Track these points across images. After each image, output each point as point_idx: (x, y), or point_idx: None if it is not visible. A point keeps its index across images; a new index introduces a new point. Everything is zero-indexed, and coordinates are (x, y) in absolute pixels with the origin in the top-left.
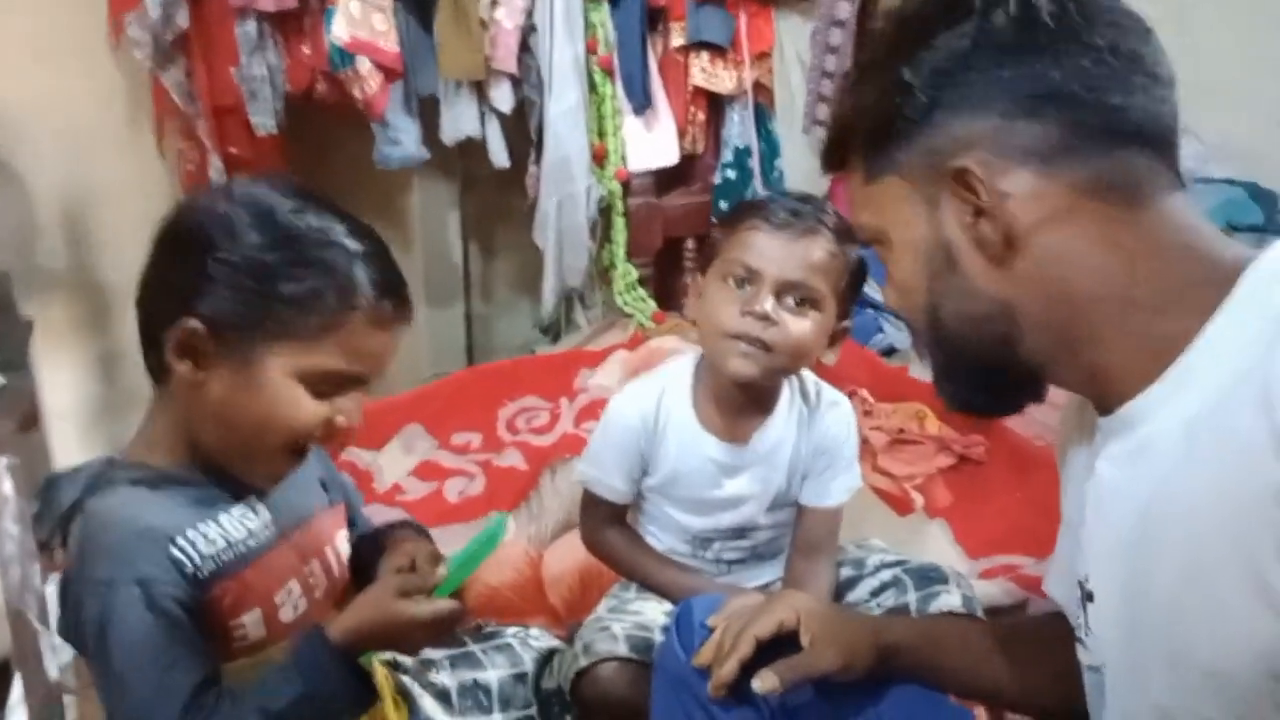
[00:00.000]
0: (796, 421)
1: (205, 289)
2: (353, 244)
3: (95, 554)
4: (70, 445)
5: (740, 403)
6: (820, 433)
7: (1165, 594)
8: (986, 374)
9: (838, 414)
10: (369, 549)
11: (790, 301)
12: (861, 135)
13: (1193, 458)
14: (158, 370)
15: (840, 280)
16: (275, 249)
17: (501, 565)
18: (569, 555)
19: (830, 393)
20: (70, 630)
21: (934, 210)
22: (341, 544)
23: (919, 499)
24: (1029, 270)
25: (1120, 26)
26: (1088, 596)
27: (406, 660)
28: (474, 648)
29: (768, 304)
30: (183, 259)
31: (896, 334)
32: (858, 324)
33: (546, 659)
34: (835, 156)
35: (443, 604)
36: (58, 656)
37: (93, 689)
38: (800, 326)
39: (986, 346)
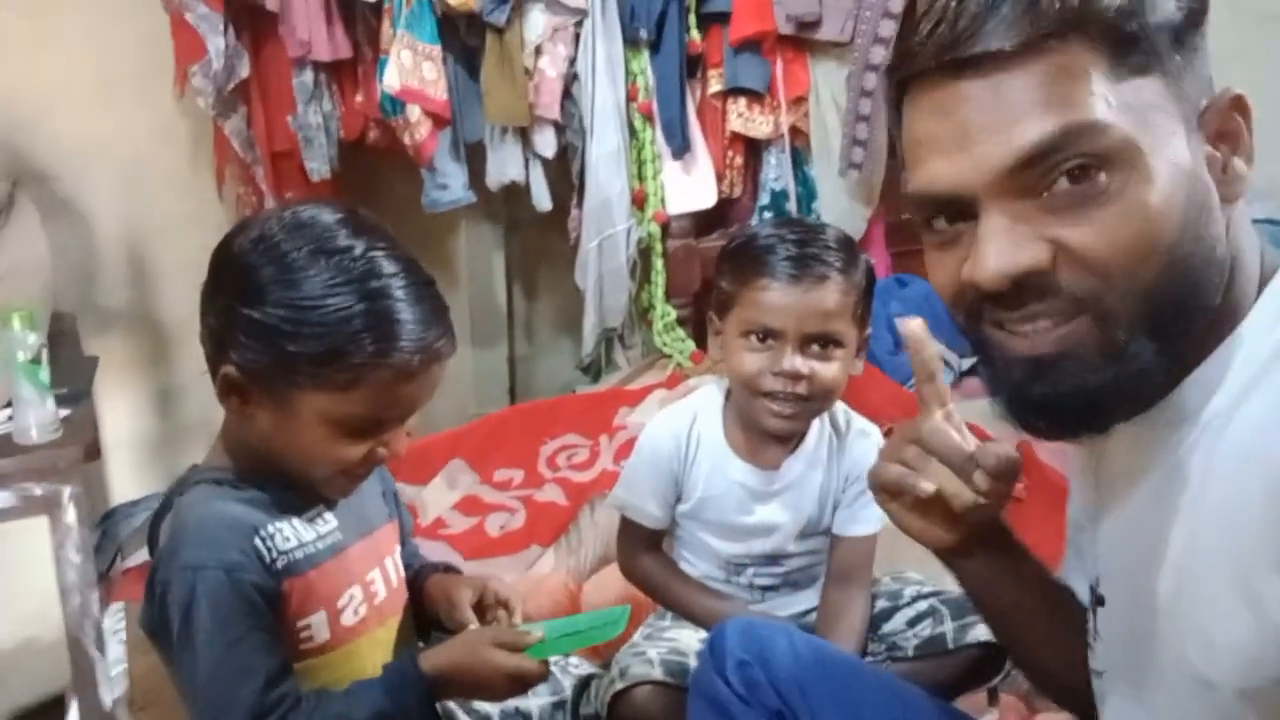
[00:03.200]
0: (827, 450)
1: (238, 339)
2: (396, 285)
3: (183, 541)
4: (127, 477)
5: (772, 434)
6: (851, 461)
7: (1165, 597)
8: (1170, 348)
9: (867, 443)
10: (410, 582)
11: (815, 349)
12: (1125, 14)
13: (1206, 452)
14: (216, 378)
15: (856, 307)
16: (307, 303)
17: (540, 597)
18: (608, 587)
19: (860, 422)
20: (154, 618)
21: (1190, 134)
22: (399, 559)
23: None
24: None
25: None
26: (1099, 600)
27: None
28: None
29: (796, 361)
30: (218, 303)
31: None
32: (896, 363)
33: (584, 685)
34: (1053, 16)
35: (530, 664)
36: (113, 687)
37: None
38: (829, 370)
39: (1202, 305)
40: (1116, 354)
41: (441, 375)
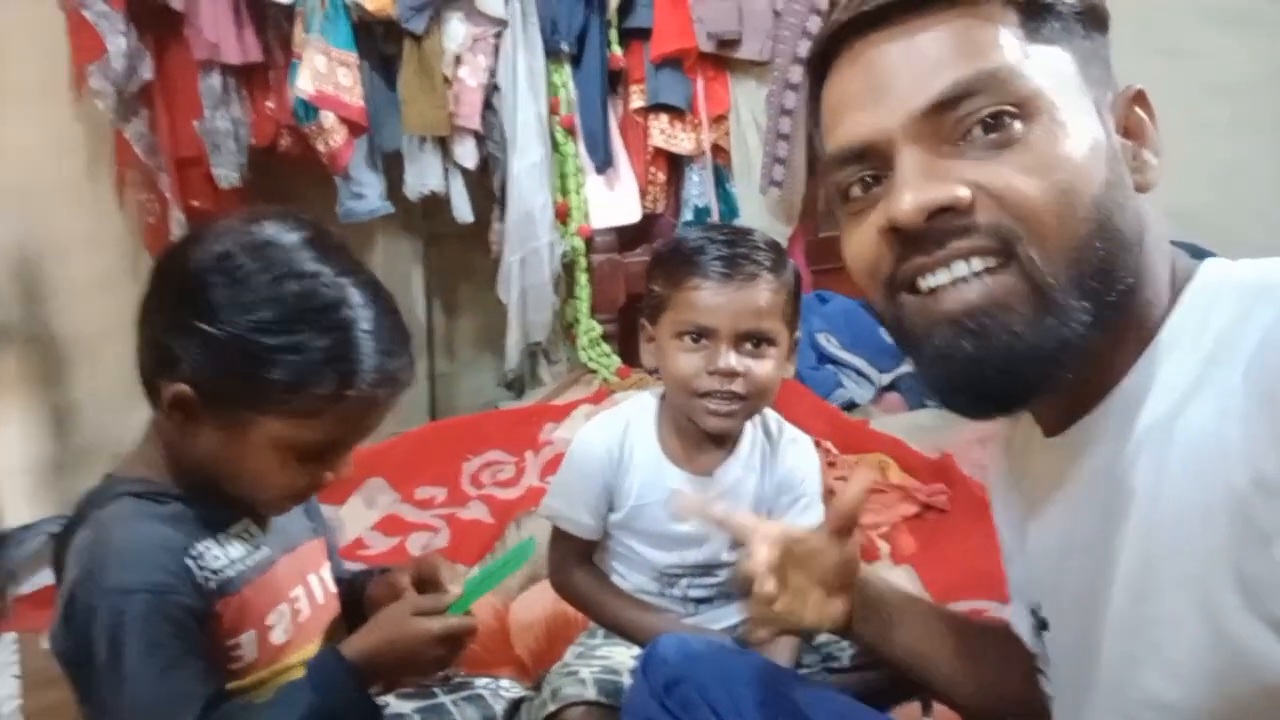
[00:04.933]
0: (760, 457)
1: (196, 356)
2: (363, 316)
3: (108, 562)
4: (19, 503)
5: (704, 438)
6: (783, 469)
7: (1117, 618)
8: (1098, 314)
9: (798, 449)
10: (347, 592)
11: (749, 347)
12: None
13: (1152, 464)
14: (154, 397)
15: (786, 307)
16: (271, 330)
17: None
18: (536, 606)
19: (791, 430)
20: (72, 645)
21: (1101, 116)
22: (326, 574)
23: (885, 546)
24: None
25: None
26: (1042, 625)
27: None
28: (444, 699)
29: (731, 358)
30: (168, 317)
31: (856, 389)
32: (818, 379)
33: (515, 708)
34: None
35: (455, 620)
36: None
37: None
38: (763, 368)
39: (1123, 278)
40: (1046, 307)
41: (398, 400)
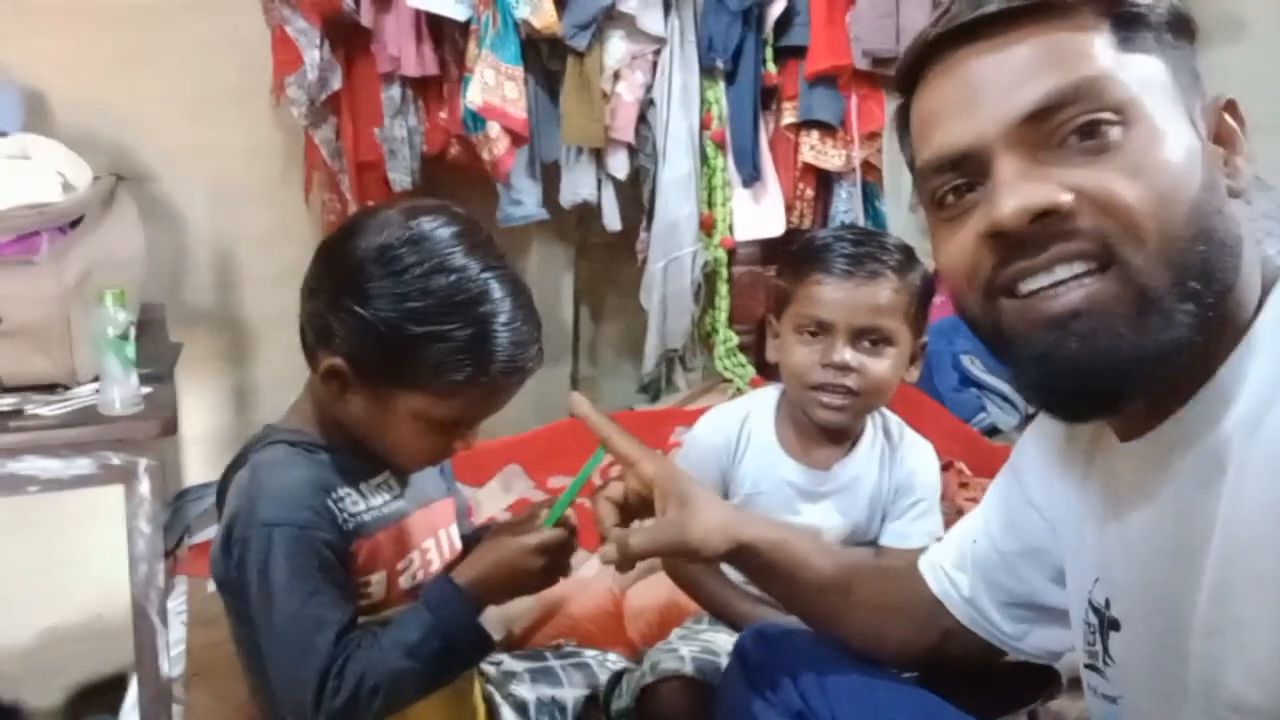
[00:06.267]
0: (879, 458)
1: (352, 336)
2: (502, 309)
3: (261, 498)
4: (200, 471)
5: (821, 433)
6: (903, 471)
7: (1200, 619)
8: (1199, 315)
9: (919, 453)
10: (467, 549)
11: (866, 344)
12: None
13: (1239, 460)
14: (313, 363)
15: (910, 308)
16: (421, 319)
17: (585, 599)
18: (649, 594)
19: (912, 435)
20: (228, 571)
21: (1193, 123)
22: (454, 532)
23: None
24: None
25: None
26: (1111, 624)
27: (490, 670)
28: (554, 663)
29: (846, 354)
30: (330, 299)
31: (1000, 414)
32: (960, 401)
33: (617, 679)
34: None
35: (549, 531)
36: (172, 664)
37: (199, 692)
38: (879, 367)
39: (1221, 279)
40: (1148, 309)
41: (524, 383)
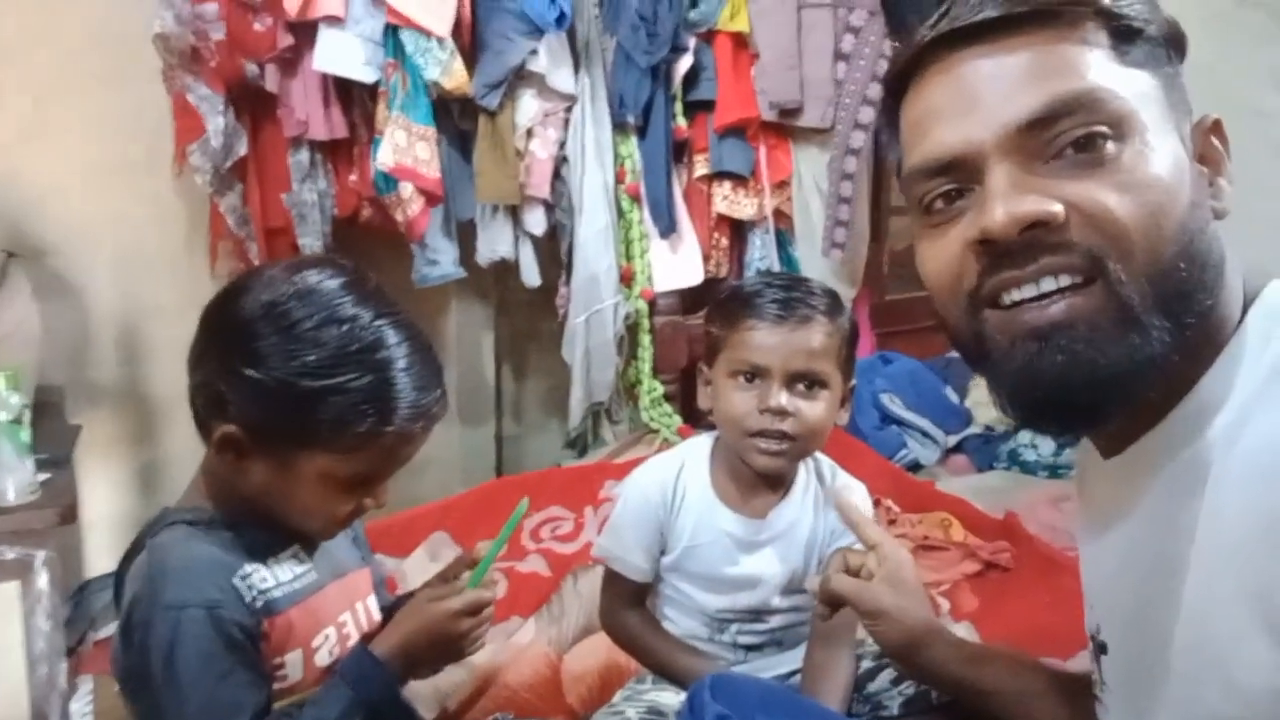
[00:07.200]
0: (813, 502)
1: (245, 400)
2: (399, 354)
3: (163, 580)
4: (104, 557)
5: (757, 480)
6: (836, 514)
7: (1178, 636)
8: (1177, 334)
9: (853, 497)
10: (386, 619)
11: (801, 388)
12: (1125, 4)
13: (1217, 476)
14: (206, 436)
15: (841, 351)
16: (315, 374)
17: (521, 667)
18: (589, 656)
19: (845, 476)
20: (130, 663)
21: (1182, 141)
22: (372, 603)
23: (945, 603)
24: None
25: None
26: (1100, 649)
27: None
28: None
29: (782, 398)
30: (218, 363)
31: (921, 450)
32: (882, 439)
33: None
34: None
35: (471, 593)
36: None
37: None
38: (814, 410)
39: (1201, 299)
40: (1129, 326)
41: (431, 431)
